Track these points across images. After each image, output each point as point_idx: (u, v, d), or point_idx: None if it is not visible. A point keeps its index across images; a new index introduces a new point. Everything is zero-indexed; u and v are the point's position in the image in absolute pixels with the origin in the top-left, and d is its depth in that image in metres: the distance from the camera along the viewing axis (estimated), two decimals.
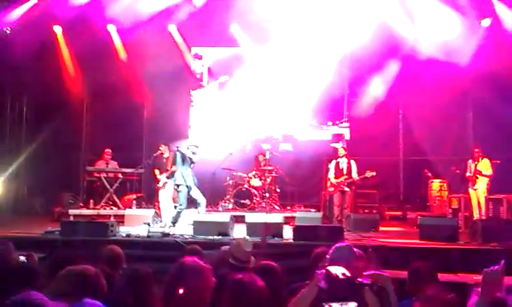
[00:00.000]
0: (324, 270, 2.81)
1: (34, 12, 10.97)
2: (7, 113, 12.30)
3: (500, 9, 10.97)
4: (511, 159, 10.12)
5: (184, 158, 9.04)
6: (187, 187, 8.94)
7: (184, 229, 8.67)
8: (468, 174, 9.94)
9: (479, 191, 9.80)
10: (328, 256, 3.22)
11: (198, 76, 12.55)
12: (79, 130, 13.06)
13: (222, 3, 11.43)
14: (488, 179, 9.76)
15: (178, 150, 9.20)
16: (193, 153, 9.05)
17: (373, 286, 2.84)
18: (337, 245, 3.30)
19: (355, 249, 3.43)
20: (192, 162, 9.05)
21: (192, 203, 9.17)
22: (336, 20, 11.44)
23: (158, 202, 10.15)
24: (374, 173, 10.07)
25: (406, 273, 3.94)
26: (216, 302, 2.86)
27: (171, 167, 9.89)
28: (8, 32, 11.72)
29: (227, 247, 4.78)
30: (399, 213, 11.88)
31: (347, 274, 2.77)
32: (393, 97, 12.58)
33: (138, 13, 11.28)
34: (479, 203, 9.76)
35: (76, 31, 11.65)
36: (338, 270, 2.79)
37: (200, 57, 12.56)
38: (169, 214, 9.32)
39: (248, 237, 5.69)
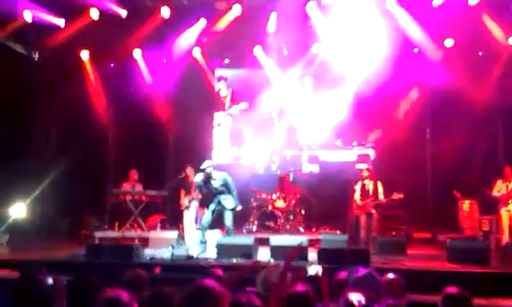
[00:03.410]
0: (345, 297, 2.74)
1: (61, 36, 11.22)
2: (33, 135, 12.55)
3: None
4: None
5: (208, 180, 9.02)
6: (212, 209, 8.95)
7: (208, 252, 8.64)
8: (496, 193, 9.66)
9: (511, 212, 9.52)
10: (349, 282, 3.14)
11: (221, 98, 12.63)
12: (105, 153, 13.23)
13: (245, 26, 11.48)
14: None
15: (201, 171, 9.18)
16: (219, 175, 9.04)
17: None
18: (359, 271, 3.21)
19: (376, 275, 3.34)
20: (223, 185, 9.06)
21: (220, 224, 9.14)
22: (359, 40, 11.38)
23: (182, 224, 10.15)
24: (402, 195, 9.88)
25: (436, 298, 3.79)
26: None
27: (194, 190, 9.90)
28: (36, 57, 12.07)
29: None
30: (427, 235, 11.59)
31: (363, 301, 2.69)
32: (420, 116, 12.44)
33: (163, 37, 11.47)
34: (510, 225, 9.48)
35: (102, 55, 11.89)
36: (355, 297, 2.70)
37: (223, 79, 12.65)
38: (193, 237, 9.30)
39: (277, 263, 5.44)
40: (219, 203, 9.08)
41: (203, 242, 8.88)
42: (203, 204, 9.70)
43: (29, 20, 10.67)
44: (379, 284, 3.44)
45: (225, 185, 9.03)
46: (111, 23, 10.95)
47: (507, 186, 9.57)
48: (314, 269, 4.26)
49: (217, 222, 9.22)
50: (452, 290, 3.76)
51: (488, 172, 11.02)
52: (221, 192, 9.03)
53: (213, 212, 8.99)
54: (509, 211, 9.57)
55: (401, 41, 11.25)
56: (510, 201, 9.60)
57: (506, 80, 11.21)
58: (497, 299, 5.82)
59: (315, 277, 4.17)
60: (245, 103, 12.22)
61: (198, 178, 9.00)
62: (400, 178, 11.33)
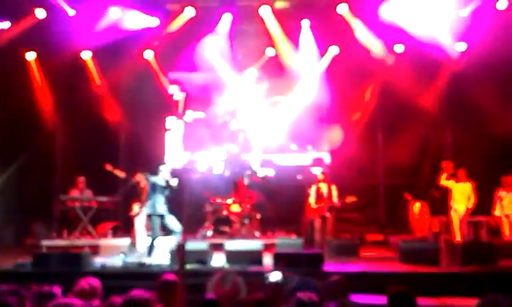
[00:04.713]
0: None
1: (6, 36, 10.78)
2: None
3: None
4: (491, 180, 10.19)
5: (154, 187, 8.80)
6: (158, 216, 8.71)
7: (161, 259, 8.46)
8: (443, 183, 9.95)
9: (460, 213, 9.80)
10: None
11: (174, 102, 12.45)
12: (52, 158, 12.75)
13: (198, 28, 11.39)
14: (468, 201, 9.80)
15: (147, 178, 9.02)
16: (165, 179, 8.83)
17: None
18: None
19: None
20: (165, 188, 8.82)
21: (168, 230, 8.94)
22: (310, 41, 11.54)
23: (134, 231, 9.92)
24: (354, 199, 10.01)
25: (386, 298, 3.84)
26: None
27: (146, 197, 9.67)
28: None
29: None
30: (380, 237, 11.78)
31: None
32: (372, 120, 12.69)
33: (114, 39, 11.20)
34: (462, 226, 9.76)
35: (49, 57, 11.49)
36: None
37: (177, 83, 12.48)
38: (145, 243, 9.09)
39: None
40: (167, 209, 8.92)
41: (153, 249, 8.66)
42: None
43: None
44: (318, 287, 3.56)
45: (166, 186, 8.88)
46: (59, 23, 10.60)
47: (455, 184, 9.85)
48: (275, 276, 4.21)
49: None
50: (395, 288, 3.83)
51: (437, 175, 11.32)
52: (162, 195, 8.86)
53: (163, 220, 8.78)
54: (456, 211, 9.84)
55: (355, 44, 11.43)
56: (457, 201, 9.86)
57: (453, 84, 11.60)
58: (446, 298, 5.95)
59: (275, 285, 4.14)
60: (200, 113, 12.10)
61: (174, 182, 8.83)
62: (353, 181, 11.49)
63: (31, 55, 11.83)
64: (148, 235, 9.10)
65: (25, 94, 11.66)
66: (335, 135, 12.25)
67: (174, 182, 8.86)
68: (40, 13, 10.49)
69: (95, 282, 4.50)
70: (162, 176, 8.81)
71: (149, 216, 8.87)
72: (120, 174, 10.61)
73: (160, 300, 3.62)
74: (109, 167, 10.59)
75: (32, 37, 10.94)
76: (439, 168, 10.17)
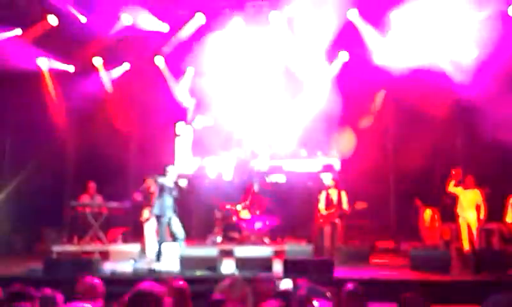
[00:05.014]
0: None
1: (19, 43, 10.88)
2: None
3: None
4: (503, 187, 10.08)
5: (162, 188, 8.82)
6: (167, 218, 8.72)
7: (170, 265, 8.46)
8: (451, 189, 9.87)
9: (469, 221, 9.70)
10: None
11: (184, 107, 12.48)
12: (62, 164, 12.82)
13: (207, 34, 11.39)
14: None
15: (155, 180, 9.03)
16: (174, 181, 8.84)
17: None
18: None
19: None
20: (173, 189, 8.83)
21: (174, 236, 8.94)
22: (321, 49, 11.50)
23: (143, 237, 9.94)
24: (365, 205, 9.95)
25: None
26: None
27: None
28: None
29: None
30: (391, 244, 11.70)
31: None
32: (382, 126, 12.63)
33: (125, 45, 11.27)
34: (471, 233, 9.65)
35: (61, 63, 11.58)
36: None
37: (186, 89, 12.50)
38: (154, 249, 9.11)
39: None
40: (175, 211, 8.93)
41: (161, 254, 8.68)
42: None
43: None
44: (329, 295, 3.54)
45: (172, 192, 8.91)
46: (71, 29, 10.68)
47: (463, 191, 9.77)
48: (286, 284, 4.17)
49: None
50: (407, 295, 3.80)
51: (448, 181, 11.23)
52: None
53: (169, 222, 8.79)
54: (464, 218, 9.75)
55: (364, 51, 11.39)
56: (465, 209, 9.77)
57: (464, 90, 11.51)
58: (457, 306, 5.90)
59: (286, 292, 4.10)
60: (209, 119, 12.10)
61: (183, 182, 8.84)
62: (363, 187, 11.42)
63: (43, 63, 11.93)
64: (157, 241, 9.12)
65: (37, 101, 11.74)
66: (347, 141, 12.22)
67: (183, 182, 8.88)
68: (53, 20, 10.56)
69: (97, 282, 4.52)
70: (170, 177, 8.85)
71: (157, 218, 8.87)
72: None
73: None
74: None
75: (44, 44, 11.04)
76: (449, 175, 10.08)
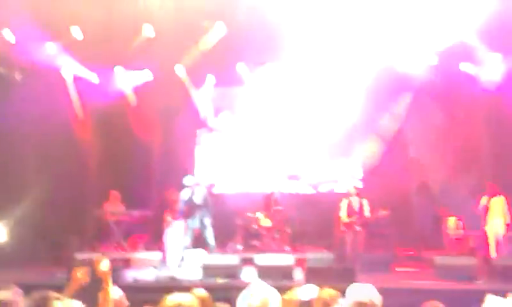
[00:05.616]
0: None
1: (44, 57, 11.09)
2: (12, 155, 12.22)
3: None
4: None
5: (192, 206, 8.94)
6: (193, 229, 8.81)
7: (192, 272, 8.49)
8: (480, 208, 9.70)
9: (497, 229, 9.52)
10: None
11: (204, 115, 12.56)
12: (86, 172, 12.97)
13: (230, 43, 11.41)
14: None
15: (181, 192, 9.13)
16: (196, 191, 8.94)
17: None
18: None
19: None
20: (202, 208, 8.96)
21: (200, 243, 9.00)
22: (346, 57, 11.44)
23: (165, 244, 9.98)
24: (387, 212, 9.84)
25: None
26: None
27: (178, 209, 9.76)
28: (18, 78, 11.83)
29: None
30: (414, 252, 11.53)
31: None
32: (405, 133, 12.51)
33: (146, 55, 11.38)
34: (497, 241, 9.47)
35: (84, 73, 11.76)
36: None
37: (207, 97, 12.58)
38: (176, 257, 9.15)
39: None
40: (200, 221, 8.98)
41: (183, 262, 8.74)
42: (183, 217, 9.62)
43: (13, 42, 10.51)
44: None
45: (205, 200, 8.94)
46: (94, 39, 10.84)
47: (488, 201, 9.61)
48: (308, 293, 3.71)
49: (198, 241, 9.06)
50: (430, 305, 3.74)
51: (474, 189, 11.05)
52: (200, 208, 8.94)
53: (193, 230, 8.86)
54: (491, 226, 9.58)
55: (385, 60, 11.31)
56: (491, 216, 9.60)
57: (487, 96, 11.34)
58: None
59: (309, 303, 3.87)
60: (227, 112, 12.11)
61: (185, 194, 8.94)
62: (385, 195, 11.30)
63: (67, 72, 12.11)
64: (179, 248, 9.17)
65: (61, 109, 11.92)
66: (372, 148, 12.12)
67: (201, 193, 9.00)
68: (76, 32, 10.74)
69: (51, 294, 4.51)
70: (198, 194, 8.98)
71: (185, 228, 8.97)
72: None
73: None
74: None
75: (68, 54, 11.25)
76: (474, 181, 9.94)
